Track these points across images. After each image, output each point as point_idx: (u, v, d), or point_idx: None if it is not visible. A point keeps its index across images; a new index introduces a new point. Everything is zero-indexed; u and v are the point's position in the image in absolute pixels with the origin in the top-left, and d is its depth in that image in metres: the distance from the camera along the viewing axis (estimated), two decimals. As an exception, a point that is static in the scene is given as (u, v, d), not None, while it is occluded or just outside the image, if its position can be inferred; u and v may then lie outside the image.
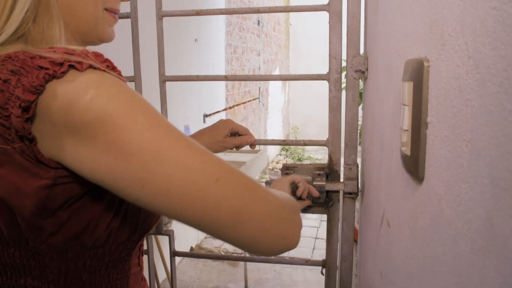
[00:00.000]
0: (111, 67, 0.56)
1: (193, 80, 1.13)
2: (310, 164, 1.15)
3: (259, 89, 6.31)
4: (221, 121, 1.07)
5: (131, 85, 1.19)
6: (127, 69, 1.09)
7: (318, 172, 1.12)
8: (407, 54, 0.61)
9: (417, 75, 0.52)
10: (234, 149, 1.10)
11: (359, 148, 1.18)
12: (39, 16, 0.62)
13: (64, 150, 0.52)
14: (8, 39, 0.59)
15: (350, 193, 1.12)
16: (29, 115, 0.50)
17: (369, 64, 1.02)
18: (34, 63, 0.52)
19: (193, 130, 3.93)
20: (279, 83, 7.71)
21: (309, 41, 8.27)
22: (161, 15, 1.15)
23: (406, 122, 0.55)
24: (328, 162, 1.14)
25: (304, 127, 8.42)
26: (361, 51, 1.06)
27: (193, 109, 3.97)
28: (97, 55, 0.56)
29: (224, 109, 4.83)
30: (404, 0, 0.62)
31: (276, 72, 7.43)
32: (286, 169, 1.14)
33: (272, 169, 5.31)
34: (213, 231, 0.55)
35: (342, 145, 1.12)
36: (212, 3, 4.44)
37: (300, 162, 1.13)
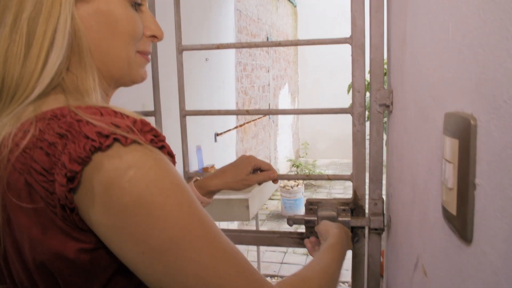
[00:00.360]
0: (156, 139, 0.56)
1: (214, 115, 1.12)
2: (334, 199, 1.12)
3: (269, 105, 6.31)
4: (243, 158, 1.06)
5: (151, 120, 1.18)
6: (146, 103, 1.09)
7: (342, 207, 1.10)
8: (446, 104, 0.59)
9: (464, 133, 0.50)
10: (257, 184, 1.08)
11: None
12: (72, 65, 0.63)
13: (98, 224, 0.52)
14: (43, 90, 0.59)
15: (376, 229, 1.09)
16: (74, 185, 0.50)
17: (395, 99, 1.00)
18: (81, 129, 0.52)
19: (205, 150, 3.93)
20: (288, 98, 7.71)
21: (317, 54, 8.28)
22: (181, 49, 1.14)
23: (451, 180, 0.53)
24: (352, 197, 1.11)
25: (314, 142, 8.40)
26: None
27: (205, 129, 3.97)
28: (144, 124, 0.56)
29: (235, 127, 4.82)
30: (443, 48, 0.60)
31: (285, 87, 7.44)
32: (310, 205, 1.12)
33: (284, 187, 5.27)
34: None
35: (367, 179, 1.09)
36: (222, 23, 4.47)
37: (324, 198, 1.12)
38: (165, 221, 0.51)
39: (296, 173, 6.85)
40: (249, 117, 5.32)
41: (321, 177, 1.14)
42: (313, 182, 6.81)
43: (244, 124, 5.16)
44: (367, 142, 1.08)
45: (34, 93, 0.59)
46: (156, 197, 0.51)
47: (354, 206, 1.11)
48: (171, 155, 0.59)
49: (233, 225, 4.58)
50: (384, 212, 1.11)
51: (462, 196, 0.51)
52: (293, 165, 7.19)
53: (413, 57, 0.80)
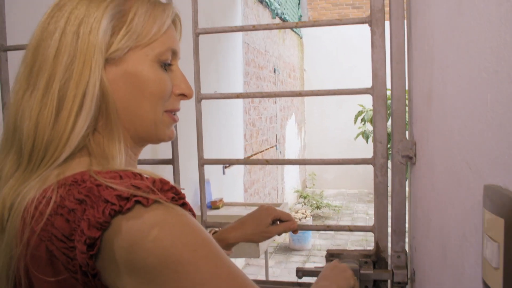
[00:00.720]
0: (177, 197, 0.56)
1: (233, 164, 1.11)
2: (355, 250, 1.10)
3: (276, 136, 6.32)
4: (262, 210, 1.04)
5: (169, 168, 1.17)
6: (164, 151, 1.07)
7: (364, 260, 1.07)
8: (484, 175, 0.57)
9: (509, 212, 0.48)
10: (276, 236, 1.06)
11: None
12: (99, 127, 0.63)
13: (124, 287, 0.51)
14: (71, 154, 0.60)
15: (399, 283, 1.06)
16: (94, 252, 0.50)
17: (418, 151, 0.99)
18: (100, 193, 0.52)
19: (213, 183, 3.91)
20: (295, 128, 7.73)
21: (323, 85, 8.33)
22: (200, 98, 1.14)
23: (496, 260, 0.51)
24: (374, 249, 1.09)
25: (321, 173, 8.36)
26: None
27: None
28: (163, 183, 0.56)
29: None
30: (481, 118, 0.59)
31: (292, 118, 7.46)
32: (331, 256, 1.10)
33: (292, 219, 5.21)
34: None
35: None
36: (231, 55, 4.52)
37: (345, 249, 1.09)
38: (195, 276, 0.51)
39: (303, 204, 6.80)
40: (256, 148, 5.32)
41: (342, 228, 1.12)
42: (320, 213, 6.74)
43: (251, 155, 5.15)
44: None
45: (62, 157, 0.59)
46: (183, 253, 0.51)
47: (376, 259, 1.08)
48: (192, 212, 0.58)
49: (240, 261, 4.51)
50: (408, 265, 1.09)
51: (510, 278, 0.49)
52: (300, 196, 7.14)
53: (441, 115, 0.79)
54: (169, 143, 1.19)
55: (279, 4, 6.49)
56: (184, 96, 0.72)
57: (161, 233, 0.50)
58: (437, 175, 0.83)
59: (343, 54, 8.24)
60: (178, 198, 0.55)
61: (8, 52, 1.22)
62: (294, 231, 1.07)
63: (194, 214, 0.58)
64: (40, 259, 0.53)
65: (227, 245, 1.01)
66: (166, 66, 0.68)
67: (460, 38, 0.65)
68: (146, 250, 0.50)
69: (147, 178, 0.56)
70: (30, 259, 0.54)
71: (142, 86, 0.66)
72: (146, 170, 0.59)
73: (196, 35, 1.09)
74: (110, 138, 0.63)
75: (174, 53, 0.70)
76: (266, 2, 5.87)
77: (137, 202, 0.51)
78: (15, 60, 1.28)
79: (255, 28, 1.07)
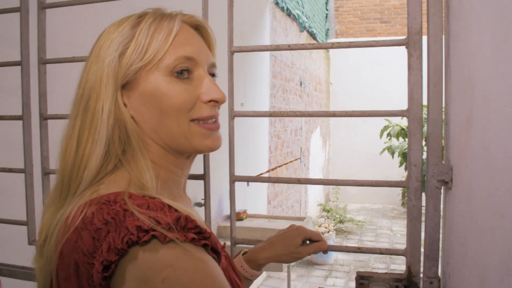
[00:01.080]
0: (198, 237, 0.56)
1: (265, 182, 1.11)
2: (386, 273, 1.08)
3: (301, 149, 6.30)
4: (292, 230, 1.03)
5: (200, 183, 1.18)
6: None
7: (396, 284, 1.05)
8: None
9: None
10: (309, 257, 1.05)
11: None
12: (127, 153, 0.67)
13: None
14: (95, 178, 0.64)
15: (431, 309, 1.04)
16: (108, 274, 0.51)
17: (455, 176, 0.97)
18: (125, 219, 0.53)
19: (238, 195, 3.91)
20: (320, 141, 7.69)
21: (349, 98, 8.29)
22: (233, 115, 1.15)
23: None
24: (406, 273, 1.06)
25: (344, 186, 8.26)
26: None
27: (237, 173, 3.97)
28: (188, 221, 0.56)
29: (267, 171, 4.81)
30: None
31: (317, 131, 7.43)
32: (361, 279, 1.08)
33: (315, 233, 5.17)
34: None
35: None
36: (258, 68, 4.54)
37: (376, 272, 1.08)
38: None
39: (326, 218, 6.73)
40: (281, 160, 5.31)
41: (372, 251, 1.10)
42: (343, 228, 6.66)
43: (276, 167, 5.14)
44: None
45: (83, 184, 0.64)
46: None
47: (408, 283, 1.06)
48: (215, 251, 0.58)
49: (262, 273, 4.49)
50: (441, 291, 1.06)
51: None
52: (323, 210, 7.07)
53: (483, 142, 0.77)
54: (201, 158, 1.20)
55: (307, 18, 6.51)
56: (215, 102, 0.70)
57: (171, 275, 0.51)
58: (476, 203, 0.81)
59: (370, 68, 8.19)
60: (199, 239, 0.55)
61: (47, 65, 1.25)
62: (325, 252, 1.06)
63: (218, 252, 0.58)
64: (69, 269, 0.56)
65: (258, 266, 1.01)
66: (184, 75, 0.68)
67: (506, 68, 0.63)
68: None
69: (173, 212, 0.56)
70: (60, 268, 0.57)
71: (158, 103, 0.67)
72: (178, 204, 0.60)
73: (231, 53, 1.10)
74: (135, 162, 0.66)
75: (191, 59, 0.68)
76: (294, 16, 5.90)
77: (154, 236, 0.52)
78: (53, 72, 1.32)
79: (290, 47, 1.08)
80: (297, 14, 6.02)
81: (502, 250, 0.66)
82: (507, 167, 0.64)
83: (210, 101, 0.70)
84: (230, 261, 0.81)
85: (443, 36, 1.00)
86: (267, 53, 4.83)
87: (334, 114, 1.07)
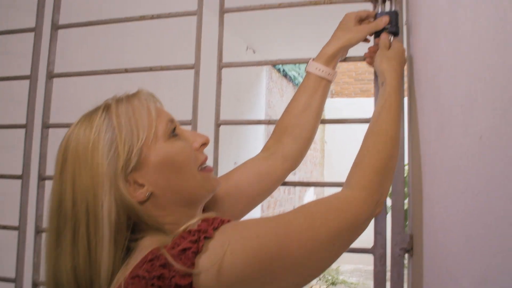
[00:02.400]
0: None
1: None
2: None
3: (293, 208, 6.32)
4: (344, 16, 1.02)
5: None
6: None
7: None
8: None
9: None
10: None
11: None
12: (134, 229, 0.69)
13: None
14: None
15: None
16: None
17: (415, 243, 1.05)
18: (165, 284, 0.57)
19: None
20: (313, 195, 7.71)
21: (343, 157, 8.39)
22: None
23: None
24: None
25: (338, 246, 8.19)
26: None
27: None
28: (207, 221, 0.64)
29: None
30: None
31: (311, 189, 7.49)
32: None
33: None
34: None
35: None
36: (254, 126, 4.65)
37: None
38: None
39: (318, 279, 6.64)
40: (272, 203, 5.33)
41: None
42: (335, 289, 6.56)
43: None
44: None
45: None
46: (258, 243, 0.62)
47: None
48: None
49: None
50: None
51: None
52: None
53: (431, 211, 0.86)
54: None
55: (302, 78, 6.75)
56: (203, 145, 0.80)
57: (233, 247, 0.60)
58: (433, 269, 0.89)
59: (363, 127, 8.35)
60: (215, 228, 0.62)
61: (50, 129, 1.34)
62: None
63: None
64: None
65: (328, 59, 1.01)
66: (175, 134, 0.75)
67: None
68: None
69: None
70: None
71: (173, 165, 0.72)
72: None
73: (218, 126, 1.22)
74: (148, 232, 0.69)
75: (172, 120, 0.76)
76: (290, 77, 6.13)
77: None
78: (55, 136, 1.39)
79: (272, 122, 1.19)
80: (293, 75, 6.25)
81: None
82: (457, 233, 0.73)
83: (201, 146, 0.79)
84: None
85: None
86: (262, 112, 4.98)
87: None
